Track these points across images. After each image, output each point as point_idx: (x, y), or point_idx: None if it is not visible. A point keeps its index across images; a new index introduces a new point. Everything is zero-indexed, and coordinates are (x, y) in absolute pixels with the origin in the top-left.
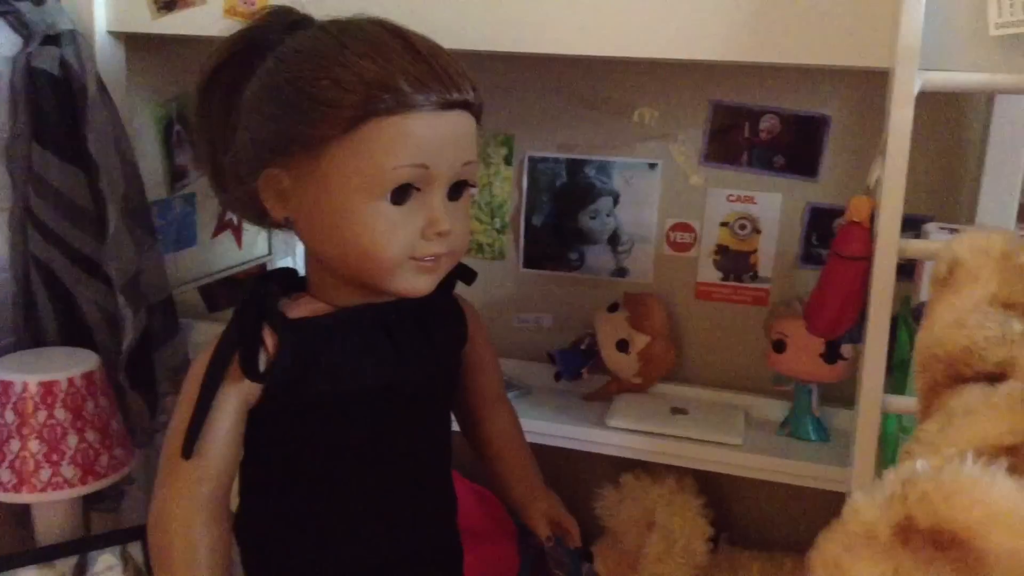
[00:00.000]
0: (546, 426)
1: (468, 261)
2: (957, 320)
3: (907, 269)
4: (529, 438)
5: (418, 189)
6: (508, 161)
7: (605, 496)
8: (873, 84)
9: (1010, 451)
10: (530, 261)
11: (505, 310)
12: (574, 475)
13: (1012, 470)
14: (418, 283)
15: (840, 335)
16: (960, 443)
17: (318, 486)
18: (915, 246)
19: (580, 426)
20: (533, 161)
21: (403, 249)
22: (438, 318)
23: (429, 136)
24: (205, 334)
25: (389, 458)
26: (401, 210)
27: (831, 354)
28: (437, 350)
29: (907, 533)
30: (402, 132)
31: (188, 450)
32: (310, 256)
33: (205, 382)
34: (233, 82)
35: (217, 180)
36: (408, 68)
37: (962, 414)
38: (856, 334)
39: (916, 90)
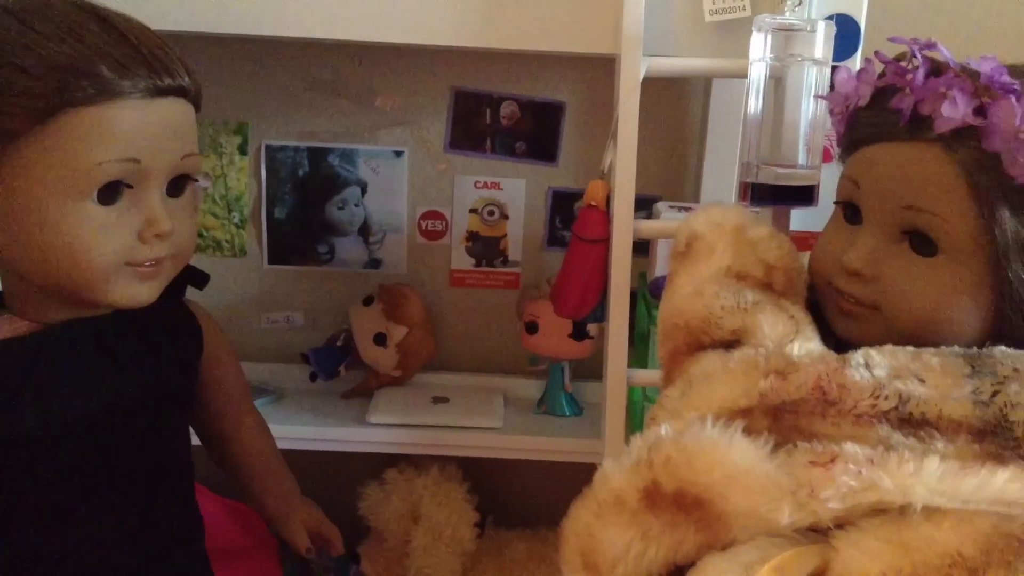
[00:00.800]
0: (303, 430)
1: (205, 260)
2: (696, 290)
3: (642, 246)
4: (286, 444)
5: (130, 186)
6: (243, 150)
7: (369, 495)
8: (603, 70)
9: (745, 413)
10: (275, 257)
11: (250, 311)
12: (338, 477)
13: (748, 431)
14: (137, 292)
15: (585, 315)
16: (700, 407)
17: (36, 522)
18: (648, 226)
19: (340, 426)
20: (271, 150)
21: (116, 255)
22: (166, 329)
23: (139, 127)
24: None
25: (117, 486)
26: (111, 211)
27: (578, 333)
28: (166, 364)
29: (653, 497)
30: (106, 123)
31: None
32: (4, 267)
33: None
34: None
35: None
36: (108, 51)
37: (702, 380)
38: (599, 313)
39: (641, 76)
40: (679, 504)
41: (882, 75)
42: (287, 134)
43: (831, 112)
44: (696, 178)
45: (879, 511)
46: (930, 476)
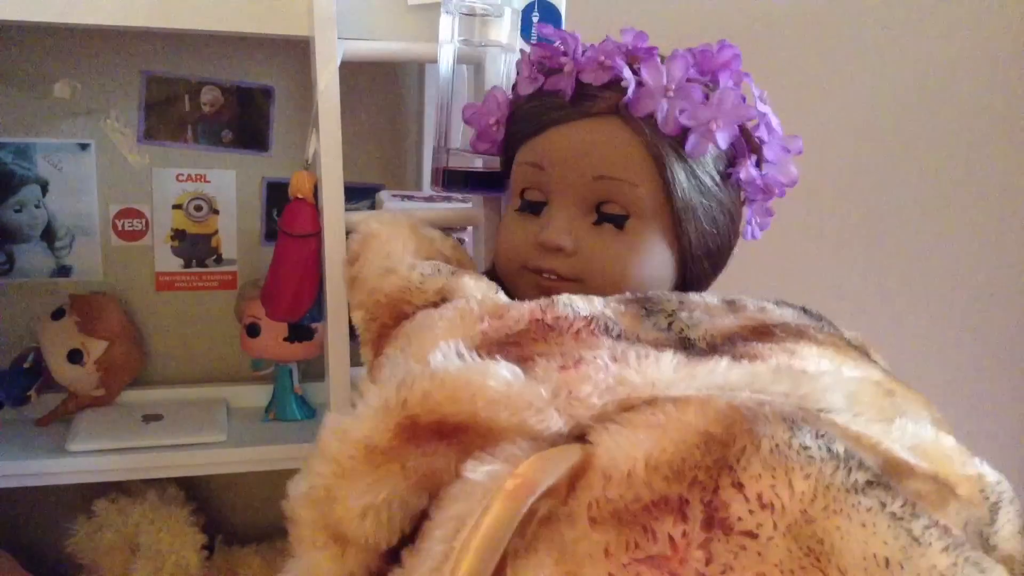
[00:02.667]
0: None
1: None
2: (386, 269)
3: None
4: None
5: None
6: None
7: (77, 530)
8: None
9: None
10: None
11: None
12: (39, 514)
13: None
14: None
15: (302, 316)
16: (428, 353)
17: None
18: (360, 218)
19: (35, 458)
20: None
21: None
22: None
23: None
24: None
25: None
26: None
27: (296, 335)
28: None
29: (409, 433)
30: None
31: None
32: None
33: None
34: None
35: None
36: None
37: (419, 331)
38: (317, 313)
39: (339, 59)
40: (440, 433)
41: (542, 67)
42: None
43: (484, 126)
44: (418, 165)
45: (628, 407)
46: (668, 366)
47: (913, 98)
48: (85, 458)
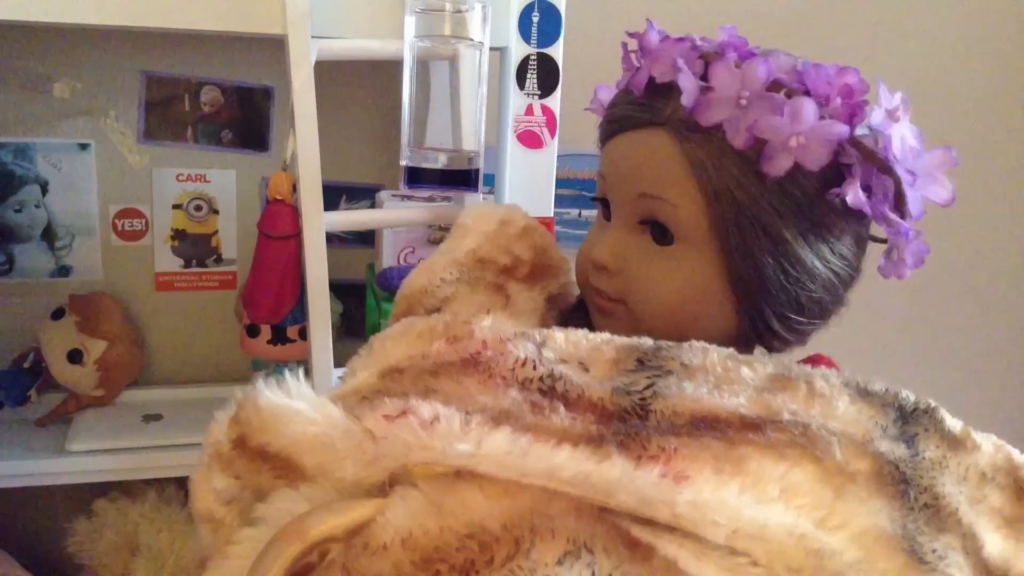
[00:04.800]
0: None
1: None
2: (428, 264)
3: (368, 237)
4: None
5: None
6: None
7: (77, 530)
8: None
9: (396, 372)
10: None
11: None
12: (40, 514)
13: (386, 392)
14: None
15: (284, 317)
16: (370, 366)
17: None
18: (340, 218)
19: (35, 458)
20: None
21: None
22: None
23: None
24: None
25: None
26: None
27: (277, 337)
28: None
29: (242, 447)
30: None
31: None
32: None
33: None
34: None
35: None
36: None
37: (382, 340)
38: (299, 313)
39: (314, 58)
40: (263, 456)
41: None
42: None
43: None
44: None
45: (441, 474)
46: (488, 443)
47: (913, 97)
48: (85, 458)
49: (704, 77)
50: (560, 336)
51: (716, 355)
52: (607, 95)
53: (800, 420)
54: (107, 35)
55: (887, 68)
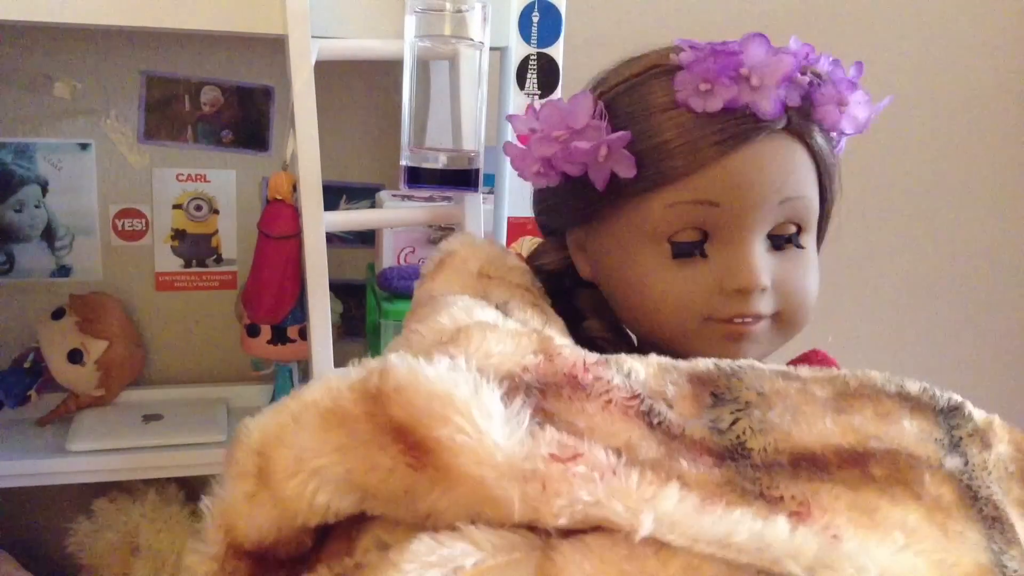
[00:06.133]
0: None
1: None
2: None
3: (368, 237)
4: None
5: None
6: None
7: (77, 530)
8: None
9: (509, 379)
10: None
11: None
12: (40, 514)
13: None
14: None
15: (284, 317)
16: (471, 352)
17: None
18: (341, 218)
19: (35, 458)
20: None
21: None
22: None
23: None
24: None
25: None
26: None
27: (277, 337)
28: None
29: (376, 416)
30: None
31: None
32: None
33: None
34: None
35: None
36: None
37: (475, 326)
38: (300, 314)
39: (314, 58)
40: (402, 436)
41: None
42: None
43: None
44: None
45: (609, 529)
46: (665, 505)
47: (914, 97)
48: (85, 458)
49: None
50: (640, 366)
51: (780, 379)
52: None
53: (887, 447)
54: (107, 35)
55: (887, 68)
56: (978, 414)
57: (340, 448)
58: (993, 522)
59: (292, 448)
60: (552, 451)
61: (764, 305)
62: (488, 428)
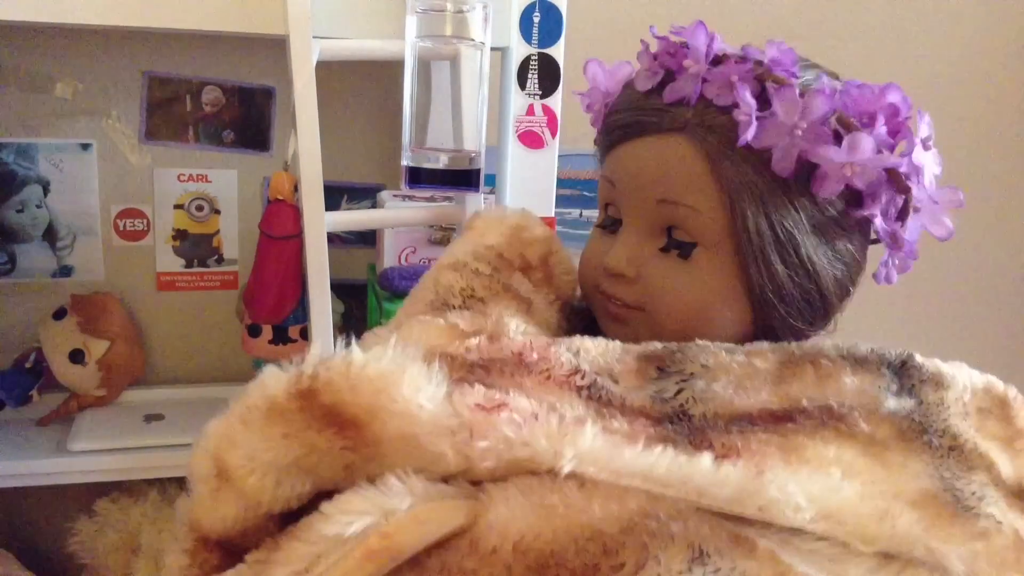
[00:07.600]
0: None
1: None
2: (453, 263)
3: (369, 237)
4: None
5: None
6: None
7: (79, 530)
8: None
9: (448, 357)
10: None
11: None
12: (42, 514)
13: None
14: None
15: (285, 317)
16: (408, 340)
17: None
18: (342, 218)
19: (37, 458)
20: None
21: None
22: None
23: None
24: None
25: None
26: None
27: (279, 337)
28: None
29: (307, 404)
30: None
31: None
32: None
33: None
34: None
35: None
36: None
37: (414, 323)
38: (301, 314)
39: (315, 58)
40: (332, 418)
41: (662, 63)
42: None
43: (588, 109)
44: None
45: (534, 472)
46: (583, 441)
47: (914, 97)
48: (86, 458)
49: (757, 98)
50: (591, 346)
51: (724, 352)
52: (600, 73)
53: (820, 404)
54: (109, 35)
55: (887, 67)
56: (928, 362)
57: (284, 437)
58: (950, 451)
59: (243, 447)
60: (478, 401)
61: (625, 292)
62: (412, 396)
